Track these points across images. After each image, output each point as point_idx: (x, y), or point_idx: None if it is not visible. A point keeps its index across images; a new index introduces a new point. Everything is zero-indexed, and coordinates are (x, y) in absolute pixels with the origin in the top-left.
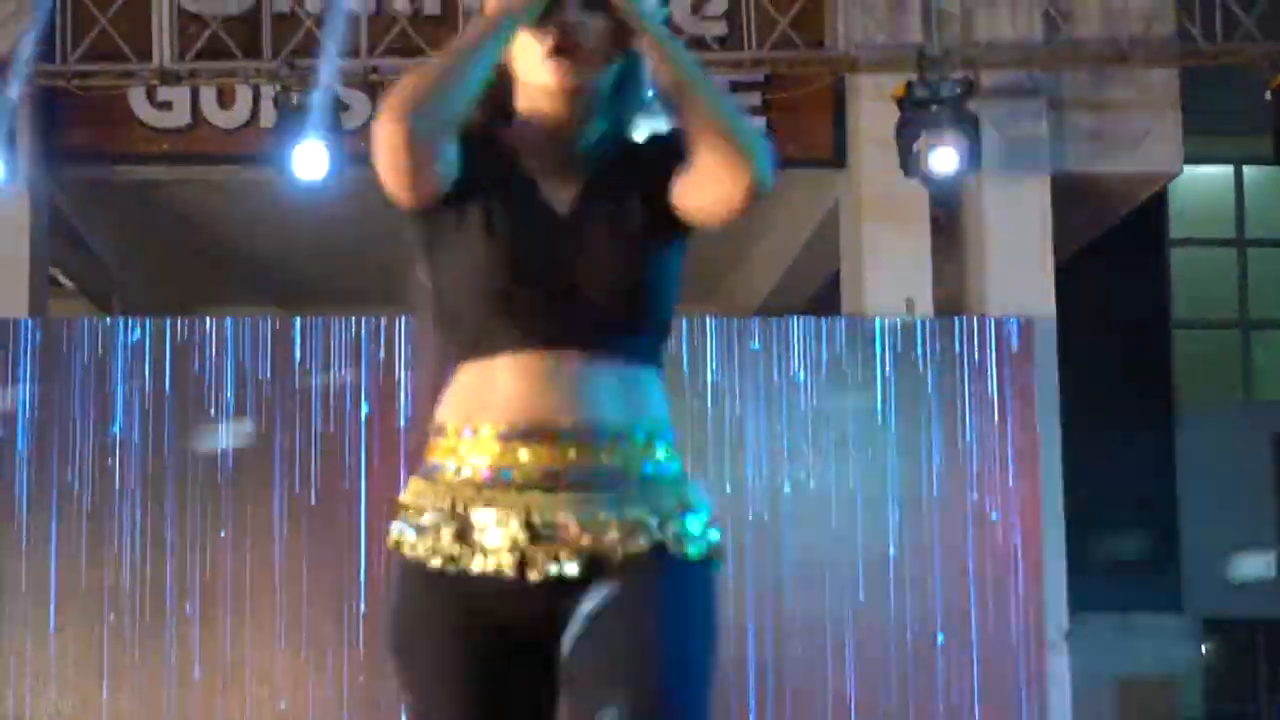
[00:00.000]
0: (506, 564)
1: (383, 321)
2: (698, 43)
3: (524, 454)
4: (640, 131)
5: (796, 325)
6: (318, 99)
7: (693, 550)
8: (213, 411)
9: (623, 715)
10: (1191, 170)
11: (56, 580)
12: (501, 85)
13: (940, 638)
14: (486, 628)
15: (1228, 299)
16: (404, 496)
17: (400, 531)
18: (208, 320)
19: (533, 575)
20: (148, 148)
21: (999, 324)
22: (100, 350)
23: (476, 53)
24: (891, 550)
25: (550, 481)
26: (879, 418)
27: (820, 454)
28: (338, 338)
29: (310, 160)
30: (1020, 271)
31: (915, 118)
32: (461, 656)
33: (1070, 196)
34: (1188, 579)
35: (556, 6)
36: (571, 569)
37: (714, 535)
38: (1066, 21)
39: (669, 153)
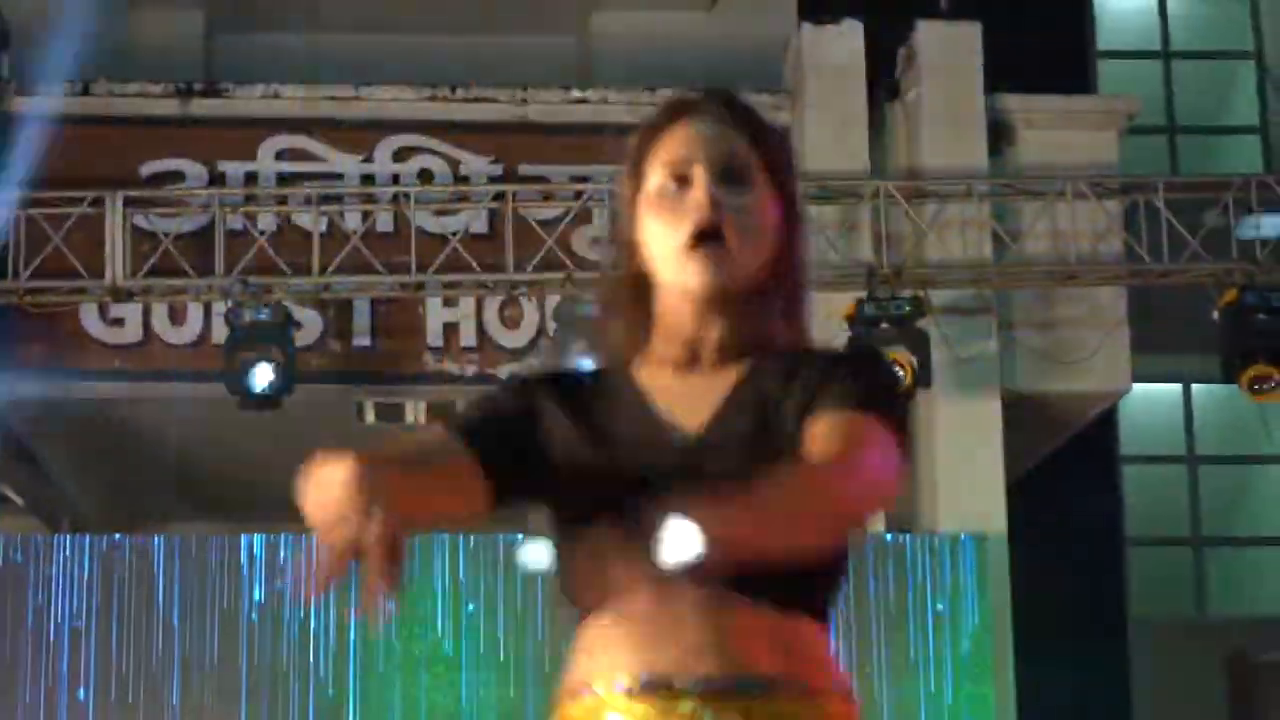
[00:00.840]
0: None
1: None
2: None
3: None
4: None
5: None
6: (269, 316)
7: None
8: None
9: None
10: (1141, 388)
11: None
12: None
13: None
14: None
15: (1180, 516)
16: None
17: None
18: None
19: None
20: (99, 364)
21: (951, 541)
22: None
23: None
24: None
25: None
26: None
27: None
28: (289, 555)
29: (260, 377)
30: (972, 489)
31: (866, 336)
32: None
33: (1021, 414)
34: None
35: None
36: None
37: None
38: (1015, 241)
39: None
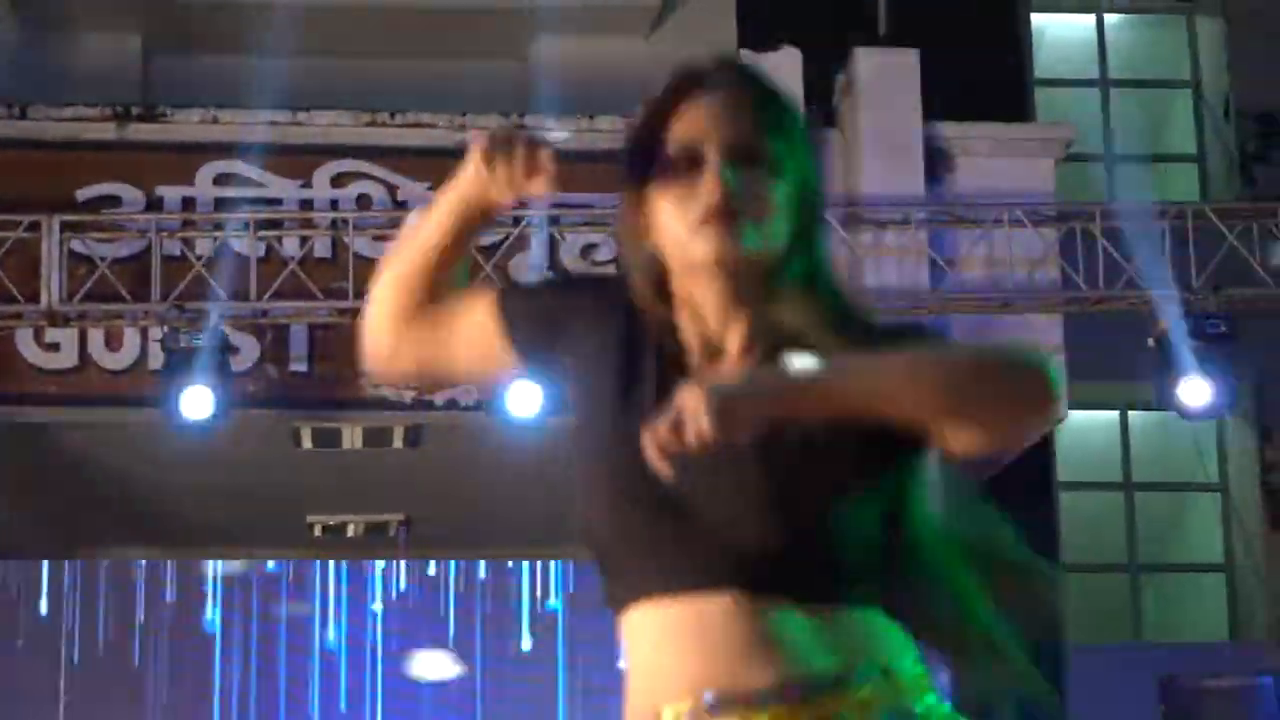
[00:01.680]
0: None
1: (269, 564)
2: None
3: None
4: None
5: None
6: (206, 341)
7: None
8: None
9: None
10: (1078, 415)
11: None
12: (654, 271)
13: None
14: None
15: (1116, 543)
16: None
17: None
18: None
19: None
20: (35, 389)
21: None
22: None
23: (419, 241)
24: None
25: None
26: None
27: None
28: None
29: (197, 403)
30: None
31: None
32: None
33: None
34: None
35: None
36: None
37: None
38: (952, 268)
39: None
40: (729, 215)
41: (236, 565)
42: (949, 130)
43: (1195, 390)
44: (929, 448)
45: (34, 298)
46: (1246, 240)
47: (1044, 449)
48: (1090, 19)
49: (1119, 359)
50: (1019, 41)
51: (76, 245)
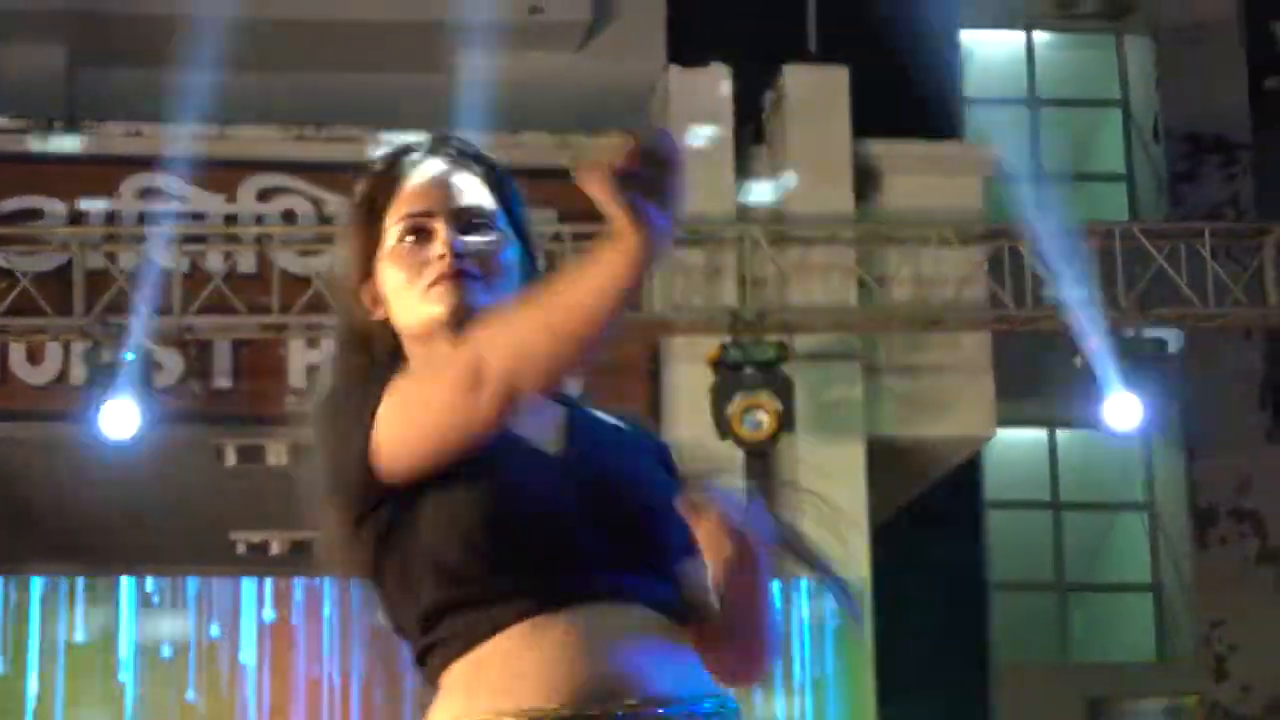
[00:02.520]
0: None
1: (192, 580)
2: None
3: None
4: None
5: None
6: (129, 357)
7: None
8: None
9: None
10: (1005, 433)
11: None
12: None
13: None
14: None
15: (1044, 562)
16: None
17: None
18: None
19: None
20: None
21: (814, 586)
22: None
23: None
24: None
25: None
26: None
27: None
28: (144, 598)
29: (120, 418)
30: (834, 533)
31: (729, 380)
32: None
33: (885, 459)
34: None
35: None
36: None
37: None
38: (880, 286)
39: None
40: (459, 277)
41: (157, 582)
42: (878, 148)
43: (1122, 410)
44: None
45: None
46: (1174, 260)
47: (973, 468)
48: (1019, 37)
49: (1047, 378)
50: (949, 60)
51: None
